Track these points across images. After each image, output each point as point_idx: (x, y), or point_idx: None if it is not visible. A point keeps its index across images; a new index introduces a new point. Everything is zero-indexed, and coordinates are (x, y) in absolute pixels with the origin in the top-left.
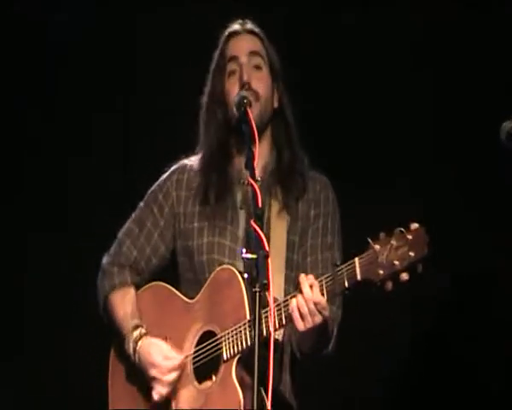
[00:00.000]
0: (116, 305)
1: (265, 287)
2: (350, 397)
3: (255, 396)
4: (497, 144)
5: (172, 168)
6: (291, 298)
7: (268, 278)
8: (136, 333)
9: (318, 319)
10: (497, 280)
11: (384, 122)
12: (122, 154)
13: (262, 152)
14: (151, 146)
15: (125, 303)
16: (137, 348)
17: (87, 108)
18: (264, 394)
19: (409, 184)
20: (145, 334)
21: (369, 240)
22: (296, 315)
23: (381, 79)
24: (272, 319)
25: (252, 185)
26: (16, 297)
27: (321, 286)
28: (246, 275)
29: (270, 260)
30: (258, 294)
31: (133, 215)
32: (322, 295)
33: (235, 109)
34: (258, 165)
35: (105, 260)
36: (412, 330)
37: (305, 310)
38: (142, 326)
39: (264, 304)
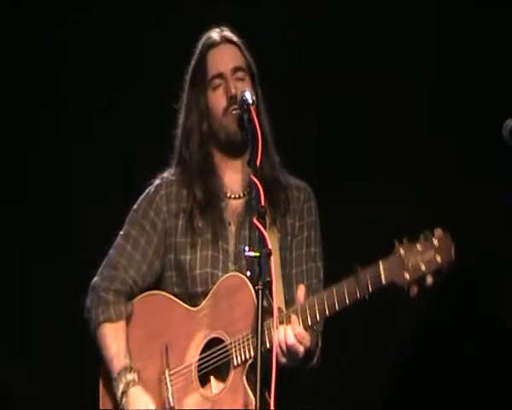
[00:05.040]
0: (108, 338)
1: (268, 285)
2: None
3: (257, 399)
4: (500, 141)
5: (157, 183)
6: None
7: (271, 276)
8: (128, 377)
9: (301, 354)
10: (496, 277)
11: (384, 122)
12: (124, 167)
13: (243, 166)
14: (154, 164)
15: (116, 341)
16: (126, 395)
17: (88, 122)
18: (268, 399)
19: (409, 186)
20: (136, 383)
21: (396, 243)
22: (278, 350)
23: (382, 78)
24: (275, 319)
25: (254, 183)
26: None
27: (317, 306)
28: (248, 273)
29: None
30: (260, 291)
31: (122, 234)
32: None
33: (238, 107)
34: (242, 181)
35: (99, 282)
36: (410, 330)
37: (284, 348)
38: (134, 371)
39: (271, 313)
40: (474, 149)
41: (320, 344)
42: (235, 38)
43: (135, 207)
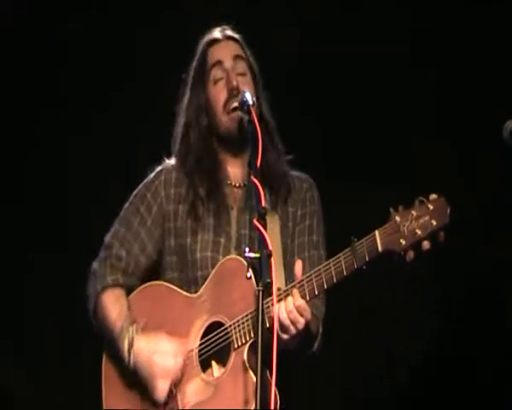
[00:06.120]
0: (109, 304)
1: (269, 286)
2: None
3: (258, 388)
4: (500, 142)
5: (158, 169)
6: (285, 295)
7: (271, 277)
8: (131, 330)
9: (301, 325)
10: (497, 278)
11: (385, 121)
12: (124, 167)
13: (245, 162)
14: (153, 164)
15: (119, 304)
16: (133, 346)
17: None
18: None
19: (409, 186)
20: (140, 331)
21: (391, 210)
22: (278, 326)
23: (381, 78)
24: (276, 317)
25: (255, 184)
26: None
27: (311, 281)
28: (249, 274)
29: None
30: (261, 293)
31: (119, 217)
32: (314, 292)
33: (237, 105)
34: (243, 174)
35: (95, 264)
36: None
37: (287, 322)
38: (137, 324)
39: (269, 292)
40: (474, 150)
41: (321, 331)
42: (236, 36)
43: (134, 192)
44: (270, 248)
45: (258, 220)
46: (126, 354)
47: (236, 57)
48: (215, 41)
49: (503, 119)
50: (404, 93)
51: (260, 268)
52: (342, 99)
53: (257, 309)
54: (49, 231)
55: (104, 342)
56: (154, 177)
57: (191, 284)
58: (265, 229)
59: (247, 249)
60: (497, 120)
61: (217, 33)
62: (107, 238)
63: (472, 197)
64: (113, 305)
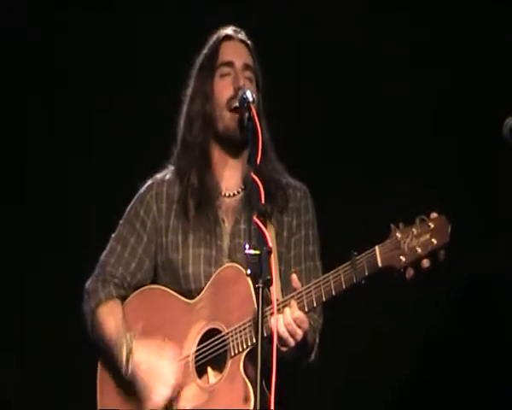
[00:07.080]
0: (104, 318)
1: (269, 283)
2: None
3: (258, 393)
4: (500, 140)
5: (149, 183)
6: (283, 306)
7: (271, 274)
8: (128, 338)
9: (299, 336)
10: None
11: (385, 121)
12: (124, 168)
13: (241, 165)
14: (153, 165)
15: (114, 315)
16: (132, 354)
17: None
18: (267, 391)
19: (409, 186)
20: (137, 337)
21: (392, 227)
22: (276, 339)
23: (381, 77)
24: (276, 314)
25: (254, 181)
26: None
27: (310, 294)
28: (248, 271)
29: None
30: (261, 289)
31: (114, 235)
32: (312, 303)
33: (238, 104)
34: (239, 179)
35: (88, 283)
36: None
37: (285, 334)
38: (134, 334)
39: (268, 302)
40: (474, 148)
41: (317, 341)
42: (249, 42)
43: (128, 208)
44: (270, 244)
45: (258, 217)
46: (124, 364)
47: (246, 66)
48: (229, 38)
49: (503, 117)
50: (404, 93)
51: (260, 265)
52: (342, 99)
53: (257, 307)
54: (49, 231)
55: (101, 354)
56: (145, 191)
57: (186, 296)
58: (265, 226)
59: (247, 246)
60: (497, 118)
61: (231, 31)
62: (103, 256)
63: (472, 197)
64: (108, 318)
